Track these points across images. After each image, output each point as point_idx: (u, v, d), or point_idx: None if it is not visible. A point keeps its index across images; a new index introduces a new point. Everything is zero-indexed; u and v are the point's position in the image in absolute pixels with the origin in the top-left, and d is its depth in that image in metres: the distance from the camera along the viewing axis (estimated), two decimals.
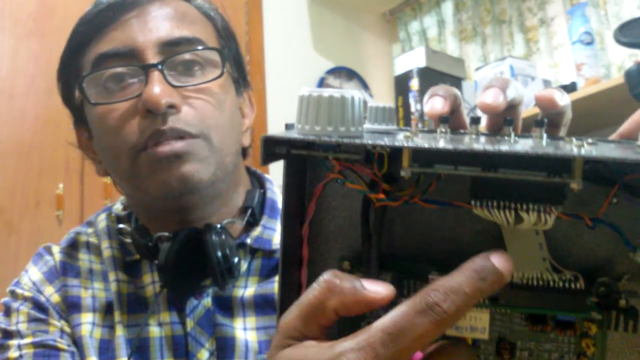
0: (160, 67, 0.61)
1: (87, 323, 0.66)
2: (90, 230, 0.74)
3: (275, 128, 2.66)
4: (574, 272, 0.34)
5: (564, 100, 0.37)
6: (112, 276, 0.69)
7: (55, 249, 0.73)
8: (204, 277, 0.64)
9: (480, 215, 0.33)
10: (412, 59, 2.20)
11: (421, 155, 0.32)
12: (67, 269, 0.70)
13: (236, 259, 0.63)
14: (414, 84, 2.14)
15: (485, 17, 2.42)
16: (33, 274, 0.71)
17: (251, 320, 0.64)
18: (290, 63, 2.44)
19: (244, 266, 0.66)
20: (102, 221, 0.74)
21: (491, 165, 0.31)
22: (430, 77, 2.16)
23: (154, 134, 0.60)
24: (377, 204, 0.36)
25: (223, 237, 0.62)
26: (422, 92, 2.12)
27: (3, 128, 1.85)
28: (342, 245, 0.38)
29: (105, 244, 0.71)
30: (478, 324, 0.33)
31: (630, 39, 1.59)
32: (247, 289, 0.66)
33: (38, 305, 0.67)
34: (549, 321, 0.35)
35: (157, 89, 0.59)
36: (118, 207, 0.74)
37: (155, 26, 0.63)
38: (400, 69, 2.23)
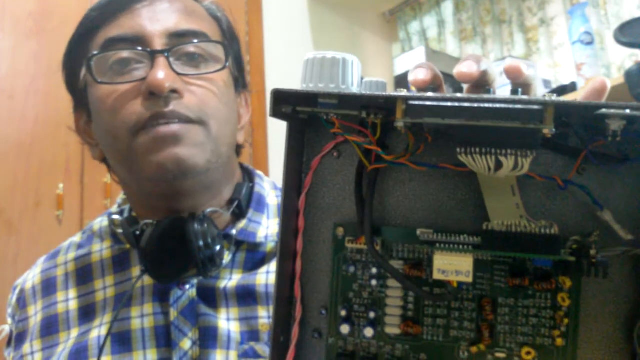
0: (166, 54, 0.63)
1: (63, 342, 0.68)
2: (76, 239, 0.76)
3: (275, 127, 2.64)
4: (549, 220, 0.37)
5: (529, 71, 0.40)
6: (99, 284, 0.70)
7: (33, 270, 0.77)
8: (187, 267, 0.65)
9: (465, 162, 0.37)
10: (412, 59, 2.20)
11: (413, 110, 0.36)
12: (45, 286, 0.73)
13: (218, 247, 0.64)
14: None
15: (485, 17, 2.42)
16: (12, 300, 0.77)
17: (234, 311, 0.65)
18: (290, 63, 2.44)
19: (228, 258, 0.67)
20: (97, 224, 0.75)
21: (474, 116, 0.35)
22: None
23: (156, 115, 0.62)
24: (370, 167, 0.40)
25: (205, 225, 0.63)
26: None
27: (3, 128, 1.85)
28: (336, 215, 0.43)
29: (96, 247, 0.73)
30: (463, 268, 0.37)
31: (630, 39, 1.59)
32: (230, 281, 0.67)
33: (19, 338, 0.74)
34: (527, 275, 0.39)
35: (162, 73, 0.62)
36: (114, 208, 0.76)
37: (164, 17, 0.66)
38: (400, 68, 2.23)
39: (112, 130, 0.65)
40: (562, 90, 1.79)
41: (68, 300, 0.70)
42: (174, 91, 0.62)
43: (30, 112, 1.90)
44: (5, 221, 1.79)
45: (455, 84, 2.43)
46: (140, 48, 0.64)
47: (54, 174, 1.89)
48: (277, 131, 2.26)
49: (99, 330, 0.66)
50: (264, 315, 0.65)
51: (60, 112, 1.94)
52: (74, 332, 0.68)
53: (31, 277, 0.75)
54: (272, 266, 0.68)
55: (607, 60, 1.99)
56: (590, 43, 1.75)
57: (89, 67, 0.65)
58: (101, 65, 0.65)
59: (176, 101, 0.63)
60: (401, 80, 2.19)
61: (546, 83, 1.91)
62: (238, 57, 0.75)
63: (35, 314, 0.71)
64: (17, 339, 0.72)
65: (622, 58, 1.96)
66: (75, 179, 1.93)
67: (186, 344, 0.63)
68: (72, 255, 0.74)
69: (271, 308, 0.63)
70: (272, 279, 0.66)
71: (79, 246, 0.75)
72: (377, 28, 2.82)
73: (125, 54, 0.65)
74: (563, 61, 2.15)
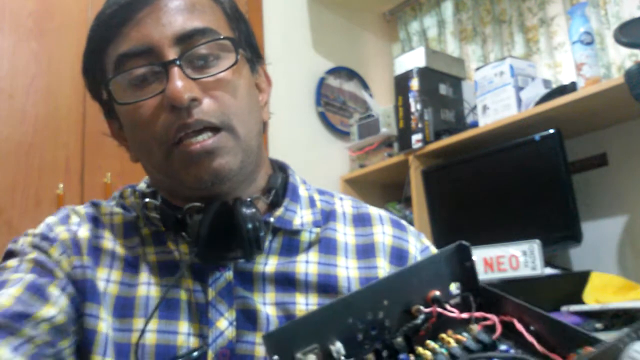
0: (178, 62, 0.65)
1: (102, 279, 0.68)
2: (113, 202, 0.77)
3: (276, 128, 2.63)
4: None
5: None
6: (141, 243, 0.71)
7: (79, 206, 0.77)
8: (232, 249, 0.67)
9: None
10: (412, 59, 2.20)
11: None
12: (91, 218, 0.73)
13: (262, 233, 0.66)
14: (414, 84, 2.14)
15: (485, 17, 2.42)
16: (49, 219, 0.75)
17: (271, 296, 0.68)
18: (290, 63, 2.44)
19: (265, 244, 0.69)
20: (128, 198, 0.76)
21: None
22: (430, 77, 2.16)
23: (181, 127, 0.64)
24: None
25: (253, 209, 0.66)
26: (422, 92, 2.13)
27: (3, 128, 1.85)
28: None
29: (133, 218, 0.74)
30: None
31: (630, 39, 1.59)
32: (267, 266, 0.69)
33: (45, 237, 0.71)
34: None
35: (179, 83, 0.64)
36: (142, 185, 0.77)
37: (168, 21, 0.67)
38: (400, 69, 2.23)
39: (144, 144, 0.68)
40: (562, 90, 1.79)
41: (115, 244, 0.70)
42: (193, 99, 0.65)
43: (30, 112, 1.90)
44: (5, 221, 1.79)
45: (454, 84, 2.42)
46: (152, 62, 0.66)
47: (54, 174, 1.89)
48: (278, 132, 2.26)
49: (147, 288, 0.67)
50: (302, 302, 0.68)
51: (60, 112, 1.94)
52: (115, 274, 0.68)
53: (81, 230, 0.72)
54: (311, 256, 0.71)
55: (607, 60, 1.99)
56: (590, 43, 1.75)
57: (107, 90, 0.68)
58: (119, 86, 0.68)
59: (197, 109, 0.65)
60: (401, 81, 2.19)
61: (546, 83, 1.91)
62: (247, 36, 0.75)
63: (107, 281, 0.68)
64: (77, 284, 0.67)
65: (622, 58, 1.96)
66: (75, 179, 1.93)
67: (222, 323, 0.65)
68: (117, 210, 0.74)
69: (309, 296, 0.68)
70: (311, 268, 0.70)
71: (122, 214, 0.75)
72: (377, 28, 2.82)
73: (139, 71, 0.66)
74: (563, 61, 2.15)
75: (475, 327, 0.45)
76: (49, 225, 0.73)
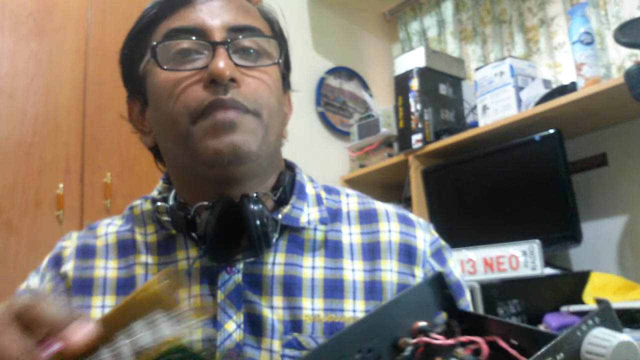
0: (226, 45, 0.69)
1: (97, 307, 0.69)
2: (116, 221, 0.78)
3: None
4: None
5: None
6: (141, 258, 0.72)
7: (75, 234, 0.78)
8: (237, 249, 0.68)
9: None
10: (412, 59, 2.20)
11: None
12: (80, 250, 0.74)
13: (270, 228, 0.67)
14: (414, 84, 2.14)
15: (485, 17, 2.42)
16: (45, 260, 0.76)
17: (278, 299, 0.68)
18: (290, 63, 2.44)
19: (272, 241, 0.70)
20: (137, 208, 0.78)
21: None
22: (430, 77, 2.16)
23: (216, 101, 0.67)
24: None
25: (260, 205, 0.67)
26: (422, 92, 2.12)
27: (3, 128, 1.85)
28: None
29: (140, 230, 0.75)
30: None
31: (630, 39, 1.59)
32: (275, 267, 0.70)
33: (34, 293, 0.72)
34: None
35: (223, 62, 0.67)
36: (154, 193, 0.78)
37: (223, 12, 0.72)
38: (400, 69, 2.23)
39: (171, 114, 0.69)
40: (562, 90, 1.79)
41: (107, 269, 0.72)
42: (232, 80, 0.68)
43: (30, 112, 1.90)
44: (5, 221, 1.79)
45: (454, 84, 2.42)
46: (201, 39, 0.69)
47: (54, 174, 1.89)
48: None
49: None
50: (308, 307, 0.68)
51: (60, 112, 1.94)
52: (110, 300, 0.70)
53: (68, 245, 0.76)
54: (317, 261, 0.71)
55: (607, 60, 1.99)
56: (590, 43, 1.75)
57: (154, 54, 0.70)
58: (164, 54, 0.70)
59: (234, 90, 0.68)
60: (401, 81, 2.19)
61: (546, 83, 1.91)
62: (287, 57, 0.80)
63: (66, 272, 0.73)
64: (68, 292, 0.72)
65: (622, 58, 1.96)
66: (75, 179, 1.93)
67: (231, 326, 0.66)
68: (113, 229, 0.77)
69: (316, 300, 0.68)
70: (318, 273, 0.70)
71: (121, 225, 0.77)
72: (377, 28, 2.82)
73: (187, 44, 0.70)
74: (563, 61, 2.15)
75: (462, 351, 0.46)
76: (43, 274, 0.74)
